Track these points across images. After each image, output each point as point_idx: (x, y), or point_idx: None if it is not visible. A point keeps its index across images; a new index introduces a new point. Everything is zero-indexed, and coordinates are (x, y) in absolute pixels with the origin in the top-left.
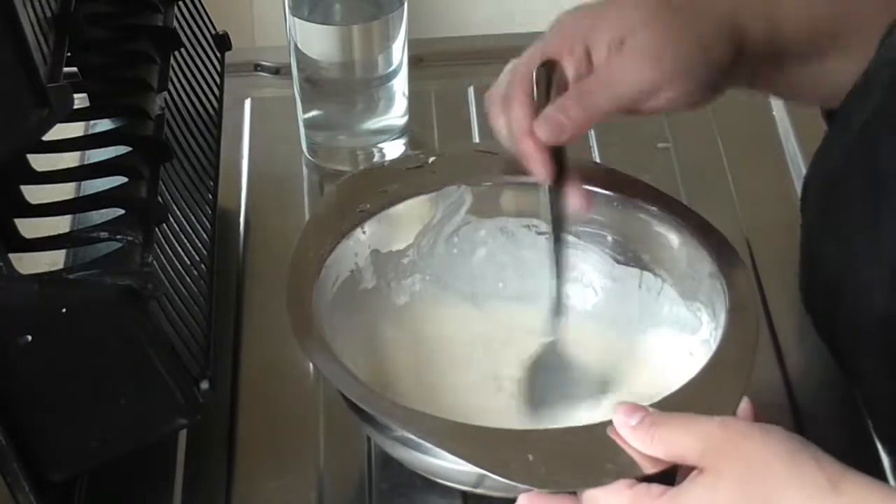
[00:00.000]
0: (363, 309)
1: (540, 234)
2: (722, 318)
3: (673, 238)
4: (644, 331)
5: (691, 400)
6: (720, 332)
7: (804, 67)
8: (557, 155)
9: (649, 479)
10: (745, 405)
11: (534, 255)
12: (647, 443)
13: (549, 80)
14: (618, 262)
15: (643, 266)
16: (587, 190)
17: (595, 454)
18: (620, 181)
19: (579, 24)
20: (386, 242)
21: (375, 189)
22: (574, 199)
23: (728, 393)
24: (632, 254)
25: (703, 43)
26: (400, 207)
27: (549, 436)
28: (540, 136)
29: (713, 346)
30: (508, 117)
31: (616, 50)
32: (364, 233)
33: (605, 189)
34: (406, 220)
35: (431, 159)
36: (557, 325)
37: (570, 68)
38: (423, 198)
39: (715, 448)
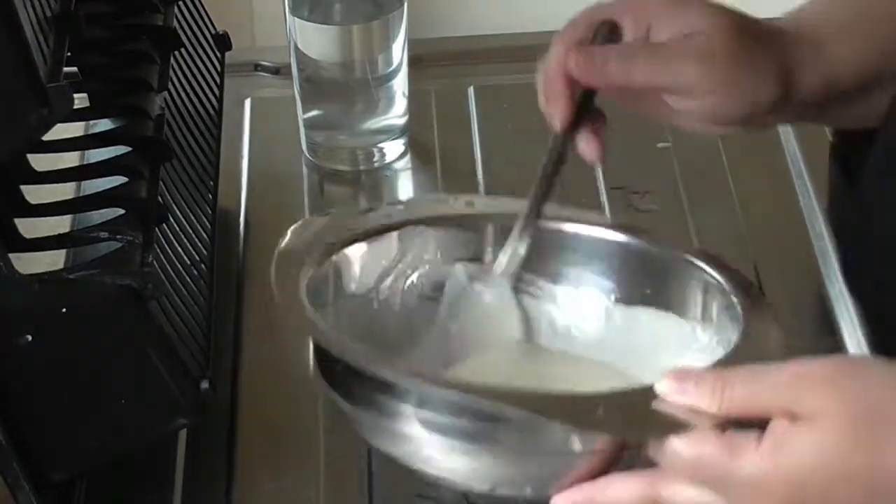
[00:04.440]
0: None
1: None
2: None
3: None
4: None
5: None
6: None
7: (847, 107)
8: (584, 107)
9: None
10: None
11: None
12: (719, 405)
13: (604, 37)
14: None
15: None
16: (600, 140)
17: (660, 412)
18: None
19: (655, 1)
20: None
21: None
22: (586, 145)
23: None
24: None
25: (757, 72)
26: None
27: (609, 395)
28: (570, 66)
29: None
30: (549, 55)
31: (677, 39)
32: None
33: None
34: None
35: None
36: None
37: (628, 35)
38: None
39: (810, 391)
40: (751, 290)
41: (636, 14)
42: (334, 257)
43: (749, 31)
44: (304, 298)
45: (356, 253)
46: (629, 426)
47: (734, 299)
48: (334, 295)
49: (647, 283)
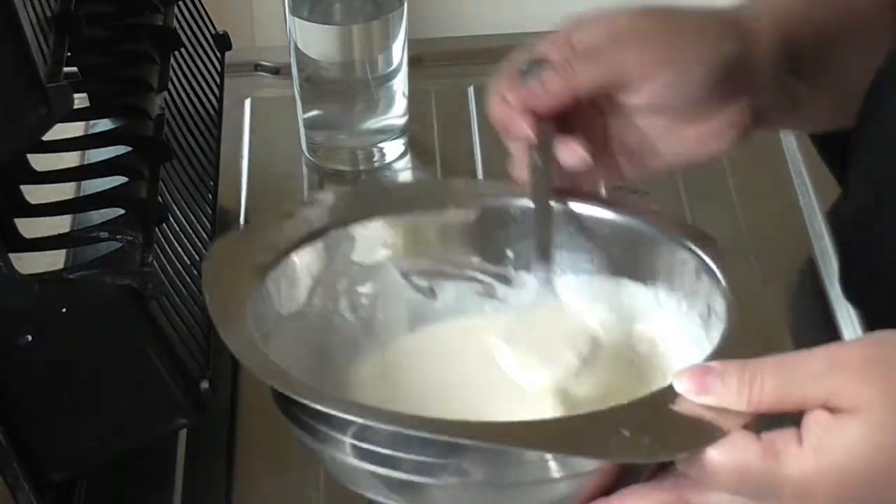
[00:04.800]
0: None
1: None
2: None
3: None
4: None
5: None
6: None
7: (820, 69)
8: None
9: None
10: None
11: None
12: (748, 401)
13: (533, 69)
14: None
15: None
16: (578, 144)
17: (684, 416)
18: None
19: (567, 27)
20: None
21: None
22: (565, 152)
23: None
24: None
25: (695, 34)
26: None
27: (621, 411)
28: (510, 101)
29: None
30: (490, 99)
31: (600, 39)
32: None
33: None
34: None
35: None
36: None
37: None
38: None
39: (848, 381)
40: (720, 251)
41: (556, 43)
42: (266, 279)
43: (671, 10)
44: (253, 335)
45: (284, 271)
46: (659, 446)
47: (706, 263)
48: (273, 321)
49: (606, 251)
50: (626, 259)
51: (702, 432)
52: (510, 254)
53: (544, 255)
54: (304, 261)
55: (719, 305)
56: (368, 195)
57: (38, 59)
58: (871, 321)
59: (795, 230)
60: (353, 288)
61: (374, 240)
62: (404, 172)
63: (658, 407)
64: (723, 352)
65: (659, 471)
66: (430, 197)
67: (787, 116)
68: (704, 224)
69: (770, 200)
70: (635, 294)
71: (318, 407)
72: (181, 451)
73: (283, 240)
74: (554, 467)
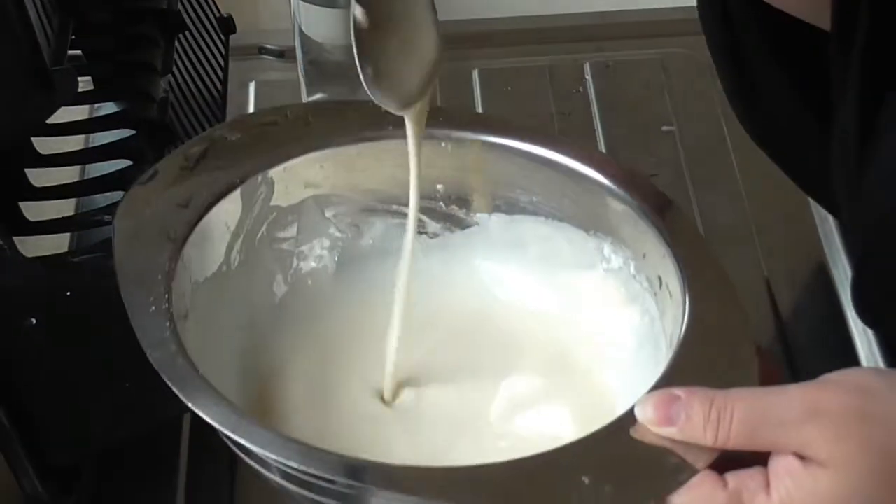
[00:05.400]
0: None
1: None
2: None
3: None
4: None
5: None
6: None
7: None
8: None
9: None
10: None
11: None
12: (714, 438)
13: None
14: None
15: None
16: None
17: (647, 452)
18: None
19: None
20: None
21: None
22: None
23: (741, 355)
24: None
25: None
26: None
27: (577, 448)
28: None
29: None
30: None
31: None
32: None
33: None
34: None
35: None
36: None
37: None
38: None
39: (823, 435)
40: (672, 214)
41: None
42: (181, 246)
43: None
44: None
45: (199, 232)
46: (622, 495)
47: (655, 226)
48: (192, 291)
49: (555, 196)
50: (571, 206)
51: (666, 473)
52: (440, 187)
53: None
54: (220, 216)
55: (674, 285)
56: (284, 129)
57: (42, 43)
58: (888, 342)
59: (800, 213)
60: (273, 235)
61: (294, 180)
62: None
63: (618, 441)
64: (679, 361)
65: None
66: (354, 127)
67: None
68: (709, 207)
69: (775, 183)
70: (574, 240)
71: (241, 441)
72: (184, 449)
73: (196, 194)
74: None
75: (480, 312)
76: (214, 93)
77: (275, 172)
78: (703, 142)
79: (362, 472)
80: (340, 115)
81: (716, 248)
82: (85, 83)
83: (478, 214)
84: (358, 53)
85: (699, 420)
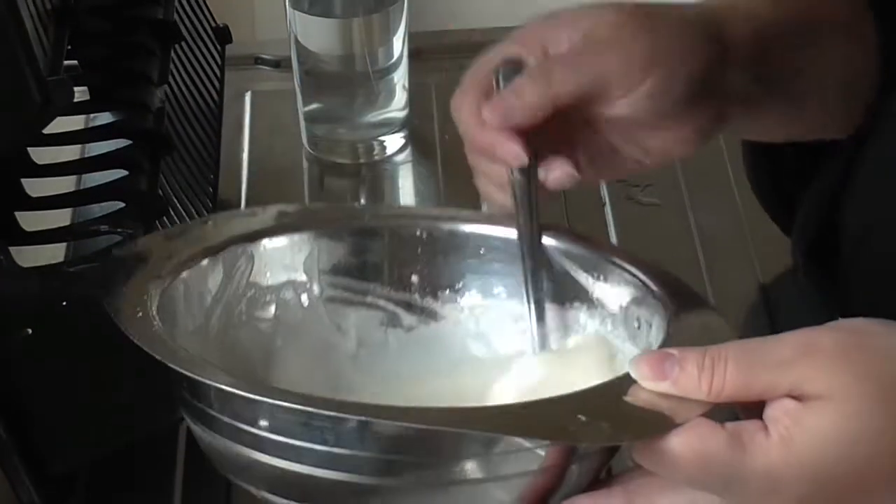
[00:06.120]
0: None
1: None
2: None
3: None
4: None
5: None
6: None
7: (780, 75)
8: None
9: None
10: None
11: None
12: (709, 389)
13: (507, 75)
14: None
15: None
16: (566, 162)
17: (643, 405)
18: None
19: (539, 24)
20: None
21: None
22: (555, 172)
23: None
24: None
25: (679, 35)
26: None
27: (576, 398)
28: (487, 119)
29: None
30: (461, 115)
31: (580, 41)
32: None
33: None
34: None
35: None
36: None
37: (530, 62)
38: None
39: (819, 368)
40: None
41: (528, 43)
42: (164, 294)
43: (651, 8)
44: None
45: (180, 288)
46: (619, 430)
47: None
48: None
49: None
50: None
51: (660, 420)
52: (415, 279)
53: (537, 300)
54: (201, 279)
55: (654, 318)
56: (269, 217)
57: (38, 53)
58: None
59: None
60: (252, 312)
61: (274, 260)
62: (405, 165)
63: (614, 394)
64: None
65: (603, 481)
66: (332, 218)
67: (746, 122)
68: (705, 217)
69: None
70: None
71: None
72: (181, 451)
73: (179, 256)
74: (495, 462)
75: (467, 384)
76: (210, 103)
77: (255, 249)
78: (700, 151)
79: (383, 412)
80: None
81: (710, 255)
82: (81, 93)
83: (450, 304)
84: None
85: (693, 370)
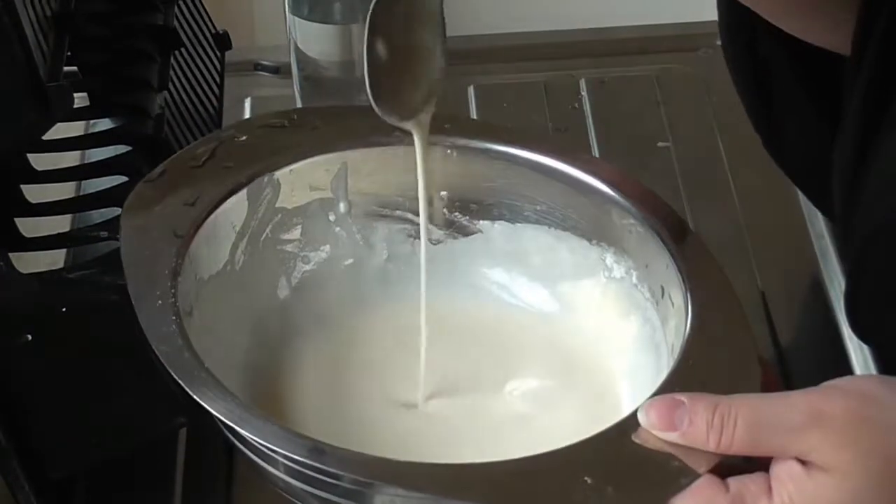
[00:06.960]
0: None
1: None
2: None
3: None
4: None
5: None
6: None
7: None
8: None
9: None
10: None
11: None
12: (717, 444)
13: None
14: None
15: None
16: None
17: (649, 456)
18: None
19: None
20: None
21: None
22: None
23: (742, 362)
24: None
25: None
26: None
27: (581, 450)
28: None
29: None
30: None
31: None
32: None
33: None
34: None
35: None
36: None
37: None
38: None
39: (827, 441)
40: (680, 230)
41: None
42: (186, 244)
43: None
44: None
45: (204, 230)
46: (624, 496)
47: (659, 237)
48: (195, 289)
49: (559, 206)
50: (575, 216)
51: (667, 477)
52: (444, 194)
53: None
54: (226, 215)
55: (677, 295)
56: (291, 132)
57: (38, 59)
58: (882, 358)
59: (795, 229)
60: (278, 237)
61: (299, 183)
62: None
63: (620, 444)
64: (680, 370)
65: None
66: (361, 132)
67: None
68: (704, 223)
69: (770, 200)
70: (577, 250)
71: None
72: (181, 451)
73: (203, 192)
74: None
75: (485, 316)
76: (210, 109)
77: (281, 174)
78: (699, 157)
79: (369, 467)
80: (348, 120)
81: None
82: (81, 99)
83: (481, 222)
84: (369, 74)
85: (702, 425)
